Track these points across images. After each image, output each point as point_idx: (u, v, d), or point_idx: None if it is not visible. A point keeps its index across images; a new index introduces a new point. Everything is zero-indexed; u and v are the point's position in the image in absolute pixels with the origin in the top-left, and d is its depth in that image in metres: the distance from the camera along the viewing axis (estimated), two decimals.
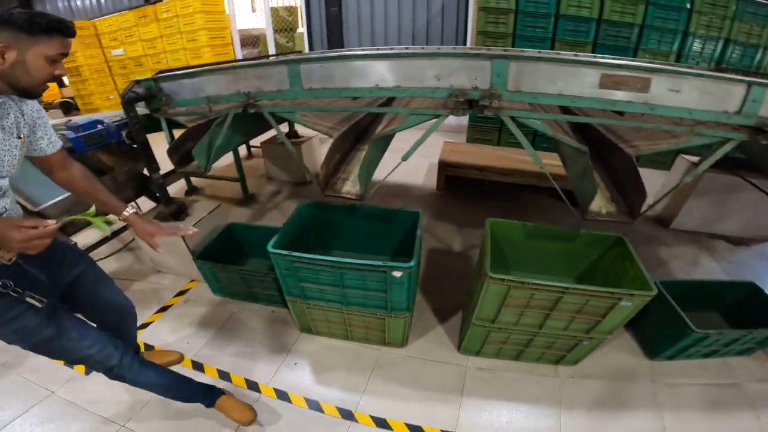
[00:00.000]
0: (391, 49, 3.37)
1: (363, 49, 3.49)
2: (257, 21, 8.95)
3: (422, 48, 3.51)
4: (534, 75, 1.37)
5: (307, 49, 6.36)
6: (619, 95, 1.32)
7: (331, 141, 1.79)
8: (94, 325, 1.31)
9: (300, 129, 3.87)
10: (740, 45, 3.71)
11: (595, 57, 1.61)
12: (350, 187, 1.69)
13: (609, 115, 1.77)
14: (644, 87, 1.29)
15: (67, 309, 1.22)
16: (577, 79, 1.34)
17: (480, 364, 1.90)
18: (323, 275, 1.65)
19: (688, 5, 3.53)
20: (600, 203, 1.75)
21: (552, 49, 3.79)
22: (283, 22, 7.19)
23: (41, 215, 1.92)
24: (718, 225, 2.92)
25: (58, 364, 1.85)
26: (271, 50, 6.79)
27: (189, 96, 1.98)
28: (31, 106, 1.13)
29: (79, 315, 1.33)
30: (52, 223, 0.90)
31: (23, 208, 1.87)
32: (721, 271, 2.61)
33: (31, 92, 0.92)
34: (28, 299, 1.03)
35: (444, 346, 1.99)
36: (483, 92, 1.43)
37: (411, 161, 2.04)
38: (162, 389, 1.44)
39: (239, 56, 6.77)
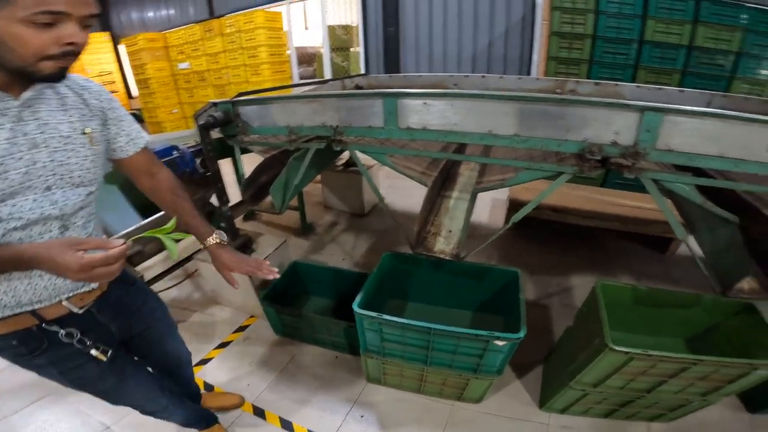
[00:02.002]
0: (480, 76, 3.04)
1: (465, 84, 3.01)
2: (310, 39, 9.09)
3: (557, 93, 2.94)
4: (694, 132, 1.14)
5: (362, 70, 6.30)
6: None
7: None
8: (150, 371, 1.25)
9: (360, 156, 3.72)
10: None
11: None
12: (443, 245, 1.48)
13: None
14: None
15: (124, 354, 1.13)
16: (752, 140, 1.09)
17: (563, 422, 1.69)
18: (411, 338, 1.46)
19: None
20: (746, 281, 1.45)
21: (634, 77, 3.51)
22: (338, 41, 7.14)
23: None
24: None
25: None
26: (327, 69, 6.80)
27: (268, 124, 1.82)
28: (96, 95, 0.94)
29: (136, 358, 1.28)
30: (118, 244, 0.70)
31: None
32: None
33: (31, 71, 0.70)
34: (93, 351, 0.96)
35: (523, 402, 1.78)
36: (624, 149, 1.20)
37: None
38: (182, 419, 1.43)
39: (296, 73, 6.84)
